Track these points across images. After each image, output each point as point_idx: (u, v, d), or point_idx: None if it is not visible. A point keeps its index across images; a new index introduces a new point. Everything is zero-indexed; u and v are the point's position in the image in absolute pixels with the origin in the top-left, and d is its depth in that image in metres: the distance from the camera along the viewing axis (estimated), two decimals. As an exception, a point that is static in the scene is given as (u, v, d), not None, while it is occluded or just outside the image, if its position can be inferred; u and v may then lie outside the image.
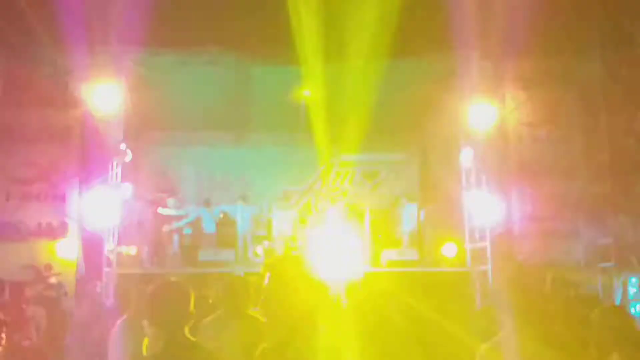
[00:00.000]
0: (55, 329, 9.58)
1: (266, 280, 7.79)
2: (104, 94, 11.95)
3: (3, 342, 3.55)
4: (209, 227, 15.20)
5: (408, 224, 15.23)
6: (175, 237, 14.46)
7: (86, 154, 12.60)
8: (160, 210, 14.63)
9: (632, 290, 12.12)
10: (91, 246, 12.50)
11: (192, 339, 3.63)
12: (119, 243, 13.15)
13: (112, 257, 12.59)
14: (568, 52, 13.05)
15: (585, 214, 13.01)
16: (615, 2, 12.03)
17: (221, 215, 15.89)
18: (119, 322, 5.36)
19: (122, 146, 12.98)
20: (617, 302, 11.72)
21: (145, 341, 3.63)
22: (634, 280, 12.08)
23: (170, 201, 14.78)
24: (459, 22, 11.30)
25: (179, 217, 14.63)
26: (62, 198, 12.32)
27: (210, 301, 6.91)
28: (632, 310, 11.42)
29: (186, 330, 3.56)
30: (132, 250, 13.50)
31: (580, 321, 5.69)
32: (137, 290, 5.48)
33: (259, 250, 15.07)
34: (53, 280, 11.66)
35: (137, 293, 5.43)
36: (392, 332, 6.45)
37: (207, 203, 15.61)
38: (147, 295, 3.62)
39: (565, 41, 12.47)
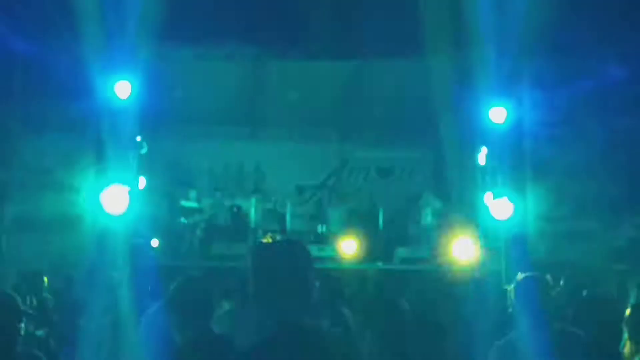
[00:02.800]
0: (67, 319, 9.61)
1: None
2: (120, 86, 11.99)
3: (22, 331, 3.57)
4: (222, 221, 15.23)
5: (422, 221, 15.19)
6: (191, 230, 14.51)
7: (102, 145, 12.66)
8: (176, 202, 14.68)
9: (646, 293, 12.03)
10: (105, 238, 12.56)
11: (217, 332, 3.67)
12: (134, 235, 13.21)
13: (127, 249, 12.64)
14: (586, 51, 12.97)
15: (601, 215, 12.93)
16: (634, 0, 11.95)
17: (235, 209, 15.92)
18: (146, 314, 5.41)
19: (138, 138, 13.03)
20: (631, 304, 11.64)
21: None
22: (649, 283, 11.99)
23: (190, 194, 14.82)
24: (475, 20, 11.25)
25: (196, 210, 14.67)
26: (77, 189, 12.37)
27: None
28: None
29: (211, 323, 3.60)
30: (146, 243, 13.54)
31: (594, 322, 5.67)
32: (160, 283, 5.56)
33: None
34: (67, 271, 11.72)
35: (162, 286, 5.49)
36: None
37: (221, 196, 15.64)
38: (170, 291, 3.67)
39: (583, 40, 12.39)
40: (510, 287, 4.33)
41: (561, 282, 8.62)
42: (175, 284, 3.72)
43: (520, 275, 4.22)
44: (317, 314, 5.14)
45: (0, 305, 3.41)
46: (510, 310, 5.78)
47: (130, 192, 12.58)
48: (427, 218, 14.87)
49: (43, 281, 10.75)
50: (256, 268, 2.66)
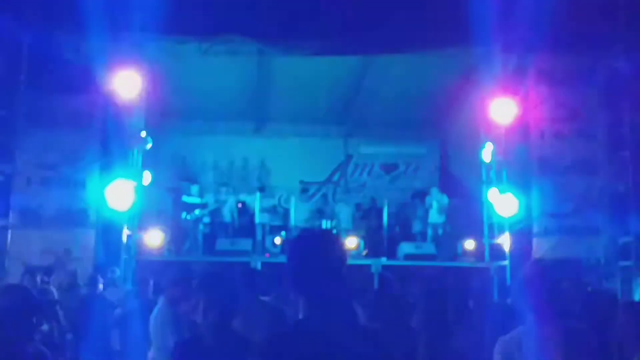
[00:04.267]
0: (72, 314, 9.65)
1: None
2: (126, 81, 12.00)
3: (36, 325, 3.56)
4: (227, 217, 15.25)
5: (428, 218, 15.17)
6: (194, 226, 14.52)
7: (107, 140, 12.67)
8: (182, 198, 14.69)
9: (651, 290, 12.02)
10: (110, 233, 12.59)
11: (240, 331, 3.59)
12: (138, 230, 13.24)
13: (131, 244, 12.68)
14: (592, 48, 12.94)
15: (606, 211, 12.91)
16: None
17: (239, 205, 15.94)
18: (155, 310, 5.44)
19: (143, 133, 13.05)
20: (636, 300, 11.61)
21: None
22: (654, 279, 11.98)
23: (192, 189, 14.83)
24: (482, 15, 11.21)
25: (198, 206, 14.68)
26: (82, 184, 12.39)
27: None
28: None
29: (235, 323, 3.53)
30: (151, 237, 13.57)
31: (598, 319, 5.66)
32: (166, 278, 5.58)
33: (277, 240, 15.13)
34: (71, 266, 11.73)
35: (167, 281, 5.52)
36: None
37: (225, 192, 15.64)
38: (197, 284, 3.61)
39: (589, 37, 12.36)
40: (515, 283, 4.33)
41: (566, 279, 8.60)
42: (199, 278, 3.66)
43: (525, 271, 4.20)
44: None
45: (17, 300, 3.41)
46: (514, 305, 5.79)
47: (134, 188, 12.61)
48: (433, 214, 14.86)
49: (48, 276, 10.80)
50: (292, 258, 2.68)
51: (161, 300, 5.51)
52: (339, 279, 2.63)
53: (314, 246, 2.68)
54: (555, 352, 3.72)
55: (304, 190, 17.02)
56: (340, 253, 2.69)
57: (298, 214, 15.97)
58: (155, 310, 5.44)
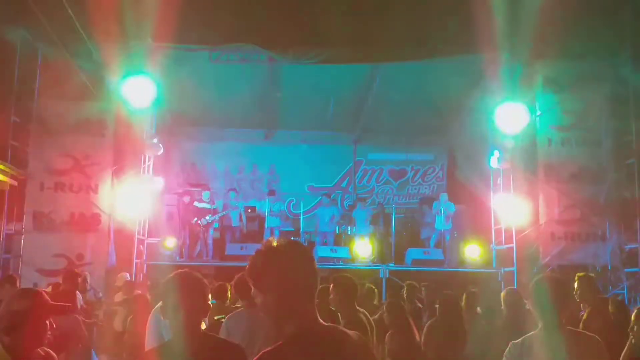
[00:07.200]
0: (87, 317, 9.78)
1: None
2: (137, 89, 12.11)
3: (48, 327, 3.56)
4: (236, 222, 15.33)
5: (434, 223, 15.22)
6: (205, 231, 14.62)
7: (119, 146, 12.80)
8: (194, 203, 14.79)
9: (657, 296, 12.07)
10: (122, 237, 12.72)
11: (207, 332, 3.49)
12: (149, 235, 13.37)
13: (142, 248, 12.82)
14: (598, 55, 13.02)
15: (613, 218, 12.95)
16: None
17: (249, 210, 16.03)
18: (152, 312, 5.48)
19: (155, 140, 13.18)
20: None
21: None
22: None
23: (203, 195, 14.93)
24: (489, 24, 11.30)
25: (209, 211, 14.80)
26: (95, 189, 12.50)
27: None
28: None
29: (202, 323, 3.41)
30: (162, 242, 13.69)
31: (606, 324, 5.75)
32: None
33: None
34: (84, 270, 11.86)
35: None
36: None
37: (235, 198, 15.74)
38: (161, 286, 3.54)
39: (595, 44, 12.44)
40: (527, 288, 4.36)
41: (574, 285, 8.67)
42: (165, 280, 3.56)
43: (535, 277, 4.26)
44: (332, 314, 5.24)
45: (32, 302, 3.46)
46: (524, 310, 5.88)
47: (146, 193, 12.75)
48: (441, 221, 14.92)
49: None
50: (260, 268, 2.62)
51: (159, 304, 5.55)
52: (307, 288, 2.60)
53: (278, 257, 2.62)
54: (565, 358, 3.78)
55: (313, 196, 17.05)
56: (305, 262, 2.64)
57: (307, 220, 16.09)
58: (152, 314, 5.46)
